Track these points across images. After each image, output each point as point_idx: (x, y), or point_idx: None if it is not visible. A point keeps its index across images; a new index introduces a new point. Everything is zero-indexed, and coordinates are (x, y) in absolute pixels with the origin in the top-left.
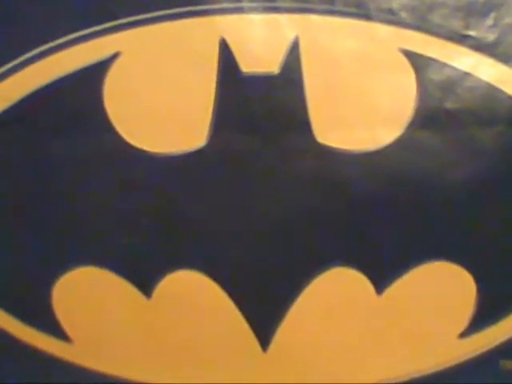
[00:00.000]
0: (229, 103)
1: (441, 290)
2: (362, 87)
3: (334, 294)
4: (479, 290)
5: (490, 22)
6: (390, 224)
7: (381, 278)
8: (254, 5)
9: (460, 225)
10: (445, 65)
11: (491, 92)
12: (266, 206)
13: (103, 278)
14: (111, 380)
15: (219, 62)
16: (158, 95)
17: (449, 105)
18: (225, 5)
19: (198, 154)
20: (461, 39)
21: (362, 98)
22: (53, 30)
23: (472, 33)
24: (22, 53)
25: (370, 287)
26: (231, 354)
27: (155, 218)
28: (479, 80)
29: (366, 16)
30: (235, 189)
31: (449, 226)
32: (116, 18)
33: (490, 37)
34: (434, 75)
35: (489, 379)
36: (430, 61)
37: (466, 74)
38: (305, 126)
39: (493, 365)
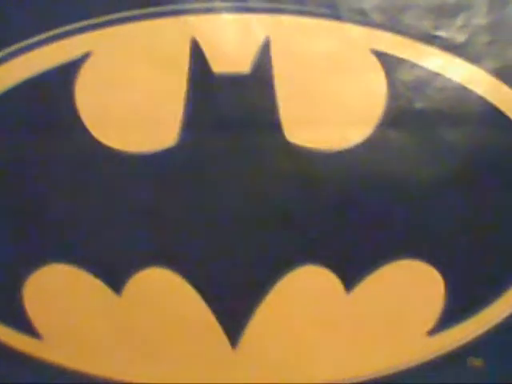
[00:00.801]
0: (200, 103)
1: (409, 288)
2: (333, 87)
3: (304, 291)
4: (447, 288)
5: (459, 22)
6: (359, 222)
7: (350, 276)
8: (225, 5)
9: (428, 223)
10: (415, 65)
11: (461, 92)
12: (237, 204)
13: (73, 275)
14: (81, 376)
15: (190, 62)
16: (129, 95)
17: (418, 105)
18: (196, 5)
19: (169, 152)
20: (431, 40)
21: (333, 97)
22: (23, 30)
23: (442, 33)
24: None
25: (339, 285)
26: (201, 351)
27: (126, 216)
28: (449, 80)
29: (337, 17)
30: (206, 187)
31: (417, 225)
32: (87, 18)
33: (460, 37)
34: (404, 75)
35: (457, 376)
36: (401, 61)
37: (436, 75)
38: (275, 125)
39: (461, 362)
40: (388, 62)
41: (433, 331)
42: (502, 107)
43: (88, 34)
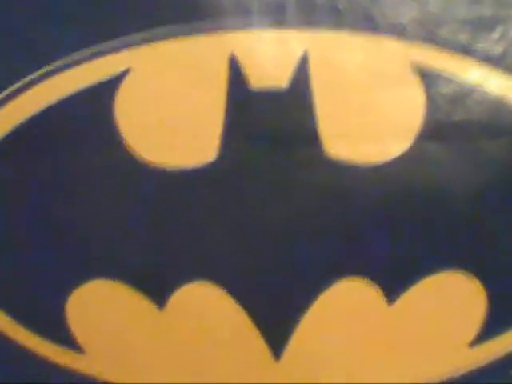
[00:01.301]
0: (239, 118)
1: (451, 299)
2: (371, 101)
3: (346, 303)
4: (489, 299)
5: (496, 35)
6: (400, 235)
7: (392, 288)
8: (263, 21)
9: (470, 235)
10: (453, 78)
11: (499, 104)
12: (277, 217)
13: (116, 290)
14: None
15: (229, 78)
16: (169, 111)
17: (457, 117)
18: (234, 21)
19: (209, 168)
20: (468, 52)
21: (371, 111)
22: (63, 47)
23: (479, 46)
24: (33, 70)
25: (381, 297)
26: (244, 364)
27: (168, 231)
28: (487, 92)
29: (375, 30)
30: (246, 202)
31: (459, 236)
32: (127, 35)
33: (497, 49)
34: (443, 88)
35: None
36: (439, 74)
37: (474, 87)
38: (314, 139)
39: (502, 373)
40: (426, 75)
41: (474, 342)
42: None
43: (127, 51)
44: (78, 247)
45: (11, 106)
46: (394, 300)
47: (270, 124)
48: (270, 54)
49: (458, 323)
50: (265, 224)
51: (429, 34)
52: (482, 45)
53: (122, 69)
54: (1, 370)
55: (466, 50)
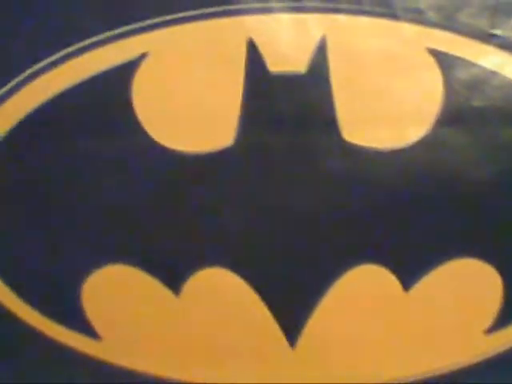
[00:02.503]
0: (256, 102)
1: (467, 287)
2: (389, 86)
3: (362, 290)
4: (505, 286)
5: None
6: (417, 221)
7: (408, 275)
8: (281, 5)
9: (486, 221)
10: (471, 63)
11: None
12: (294, 203)
13: (132, 276)
14: (139, 377)
15: (247, 62)
16: (186, 95)
17: (475, 103)
18: (252, 5)
19: (227, 152)
20: (487, 38)
21: (389, 96)
22: (81, 31)
23: (498, 32)
24: (50, 54)
25: (397, 284)
26: (259, 351)
27: (184, 216)
28: (506, 78)
29: (393, 15)
30: (263, 187)
31: (475, 223)
32: (145, 19)
33: None
34: (461, 74)
35: None
36: (457, 60)
37: (493, 73)
38: (332, 124)
39: None
40: (444, 61)
41: (490, 329)
42: None
43: (145, 35)
44: (94, 233)
45: (28, 89)
46: (410, 287)
47: (287, 108)
48: (288, 38)
49: (474, 311)
50: (281, 210)
51: (447, 20)
52: (500, 30)
53: (139, 52)
54: (16, 355)
55: (484, 36)
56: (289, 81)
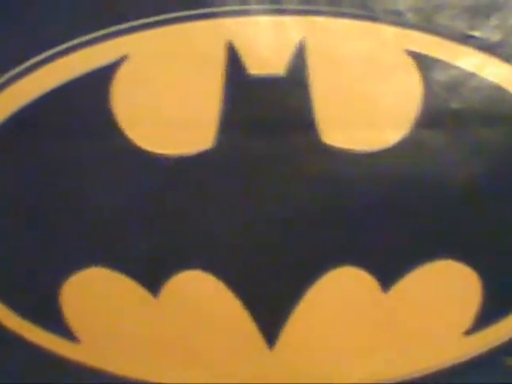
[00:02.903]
0: (235, 105)
1: (446, 288)
2: (368, 88)
3: (340, 292)
4: (484, 288)
5: (494, 22)
6: (395, 223)
7: (386, 277)
8: (260, 7)
9: (465, 223)
10: (450, 65)
11: (496, 92)
12: (273, 205)
13: (111, 278)
14: (119, 380)
15: (226, 65)
16: (165, 98)
17: (454, 105)
18: (232, 7)
19: (206, 155)
20: (466, 40)
21: (368, 98)
22: (60, 33)
23: (477, 33)
24: (30, 56)
25: (375, 285)
26: (238, 352)
27: (163, 219)
28: (484, 80)
29: (372, 17)
30: (242, 189)
31: (453, 225)
32: (124, 21)
33: (495, 37)
34: (440, 76)
35: (494, 376)
36: (436, 61)
37: (472, 74)
38: (311, 126)
39: (498, 362)
40: (423, 63)
41: (469, 331)
42: None
43: (124, 38)
44: (73, 235)
45: (7, 92)
46: (389, 288)
47: (266, 111)
48: (267, 40)
49: (453, 312)
50: (260, 212)
51: (426, 21)
52: (479, 32)
53: (118, 55)
54: None
55: (463, 37)
56: (268, 83)
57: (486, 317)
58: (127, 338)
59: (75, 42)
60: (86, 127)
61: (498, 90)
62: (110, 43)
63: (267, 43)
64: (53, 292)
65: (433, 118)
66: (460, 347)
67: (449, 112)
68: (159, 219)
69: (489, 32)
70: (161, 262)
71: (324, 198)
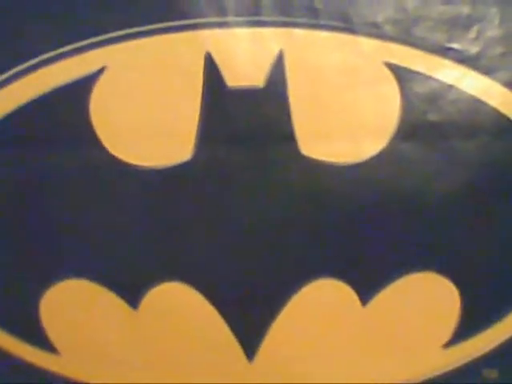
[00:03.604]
0: (214, 117)
1: (425, 301)
2: (347, 100)
3: (320, 304)
4: (463, 301)
5: (472, 34)
6: (374, 235)
7: (366, 289)
8: (239, 19)
9: (444, 236)
10: (428, 77)
11: (474, 104)
12: (252, 217)
13: (90, 290)
14: None
15: (204, 76)
16: (144, 109)
17: (432, 117)
18: (210, 19)
19: (184, 167)
20: (444, 52)
21: (347, 110)
22: (40, 45)
23: (455, 45)
24: (9, 68)
25: (354, 298)
26: (217, 365)
27: (142, 231)
28: (463, 92)
29: (351, 30)
30: (221, 201)
31: (433, 237)
32: (102, 33)
33: (473, 49)
34: (418, 88)
35: None
36: (414, 74)
37: (450, 87)
38: (289, 138)
39: (476, 374)
40: (401, 75)
41: (448, 344)
42: None
43: (103, 49)
44: (51, 247)
45: None
46: (368, 301)
47: (245, 123)
48: (245, 52)
49: (432, 325)
50: (238, 224)
51: (404, 34)
52: (457, 44)
53: (97, 67)
54: None
55: (441, 50)
56: (246, 95)
57: (465, 329)
58: (106, 350)
59: (54, 53)
60: (65, 138)
61: (477, 102)
62: (89, 54)
63: (246, 55)
64: (32, 303)
65: (411, 130)
66: (439, 360)
67: (427, 124)
68: (138, 231)
69: (467, 44)
70: (140, 273)
71: (303, 209)
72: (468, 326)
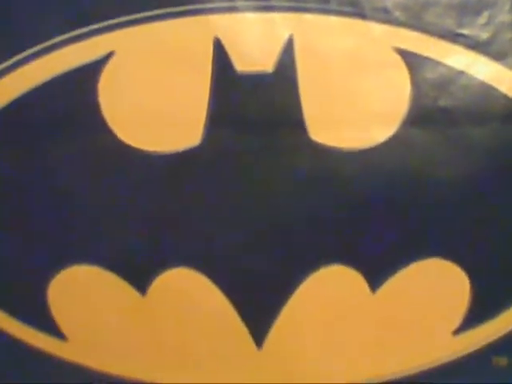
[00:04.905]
0: (223, 102)
1: (435, 287)
2: (356, 85)
3: (329, 291)
4: (473, 287)
5: (483, 20)
6: (384, 221)
7: (375, 276)
8: (248, 4)
9: (454, 222)
10: (439, 63)
11: (485, 90)
12: (261, 203)
13: (98, 276)
14: (106, 377)
15: (213, 61)
16: (153, 94)
17: (442, 103)
18: (219, 4)
19: (193, 152)
20: (454, 38)
21: (356, 96)
22: (47, 30)
23: (465, 31)
24: (16, 53)
25: (364, 285)
26: (225, 352)
27: (150, 216)
28: (473, 78)
29: (361, 15)
30: (230, 187)
31: (442, 224)
32: (111, 18)
33: (484, 35)
34: (428, 74)
35: (482, 376)
36: (424, 59)
37: (460, 73)
38: (299, 124)
39: (486, 361)
40: (412, 61)
41: (458, 330)
42: None
43: (111, 34)
44: (60, 233)
45: None
46: (377, 288)
47: (254, 108)
48: (255, 37)
49: (442, 311)
50: (248, 209)
51: (414, 19)
52: (468, 30)
53: (105, 52)
54: None
55: (451, 35)
56: (256, 80)
57: (474, 316)
58: (114, 336)
59: (62, 38)
60: (74, 124)
61: (487, 88)
62: (97, 39)
63: (255, 40)
64: (40, 290)
65: (421, 116)
66: (449, 346)
67: (437, 110)
68: (147, 217)
69: (478, 30)
70: (149, 259)
71: (313, 195)
72: (478, 313)
